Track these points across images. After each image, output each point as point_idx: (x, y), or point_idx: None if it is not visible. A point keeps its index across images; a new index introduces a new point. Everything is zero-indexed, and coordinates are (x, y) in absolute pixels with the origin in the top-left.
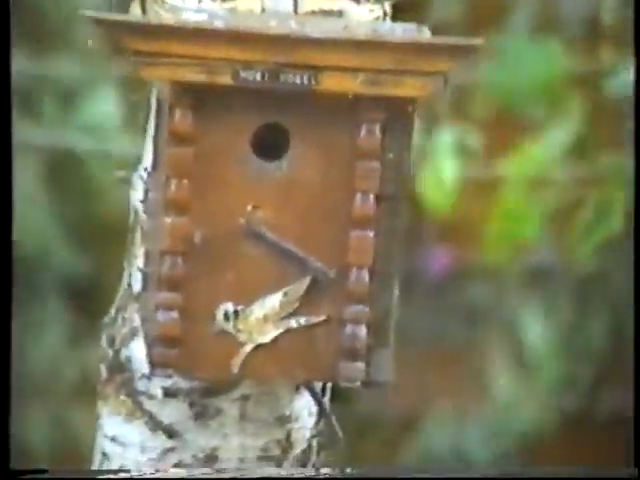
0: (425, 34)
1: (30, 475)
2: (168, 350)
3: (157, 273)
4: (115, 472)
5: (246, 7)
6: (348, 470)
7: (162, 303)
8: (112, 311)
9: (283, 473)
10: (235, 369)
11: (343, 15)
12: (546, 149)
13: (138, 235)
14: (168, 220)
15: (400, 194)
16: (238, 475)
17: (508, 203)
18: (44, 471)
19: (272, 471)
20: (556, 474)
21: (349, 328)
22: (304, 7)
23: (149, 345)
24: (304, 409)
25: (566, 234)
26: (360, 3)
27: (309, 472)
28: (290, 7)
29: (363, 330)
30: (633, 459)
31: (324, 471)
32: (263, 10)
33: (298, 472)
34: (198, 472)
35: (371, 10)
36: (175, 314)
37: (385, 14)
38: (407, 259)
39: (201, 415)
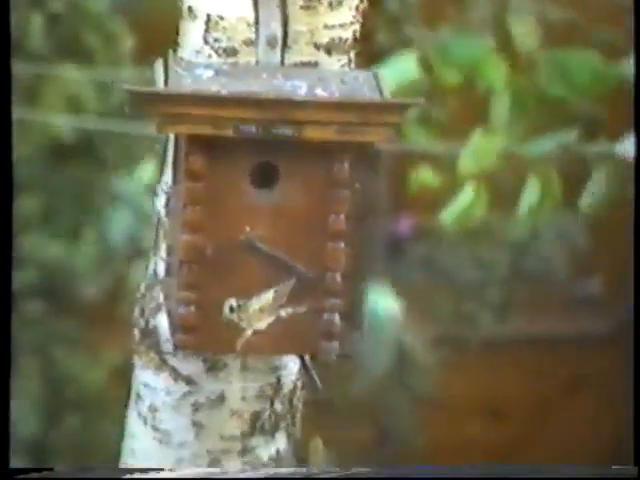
0: (381, 77)
1: (30, 474)
2: (187, 336)
3: (177, 277)
4: (114, 472)
5: (244, 61)
6: (353, 470)
7: (181, 299)
8: (142, 289)
9: (283, 472)
10: (238, 348)
11: (318, 65)
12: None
13: (161, 232)
14: (184, 237)
15: (365, 214)
16: (239, 476)
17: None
18: (44, 470)
19: (272, 471)
20: (556, 474)
21: (325, 316)
22: (289, 60)
23: (172, 330)
24: (290, 361)
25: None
26: (331, 55)
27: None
28: (278, 60)
29: (337, 318)
30: (633, 459)
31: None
32: (257, 62)
33: (298, 473)
34: (202, 472)
35: (339, 60)
36: (192, 308)
37: (350, 61)
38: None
39: (212, 368)
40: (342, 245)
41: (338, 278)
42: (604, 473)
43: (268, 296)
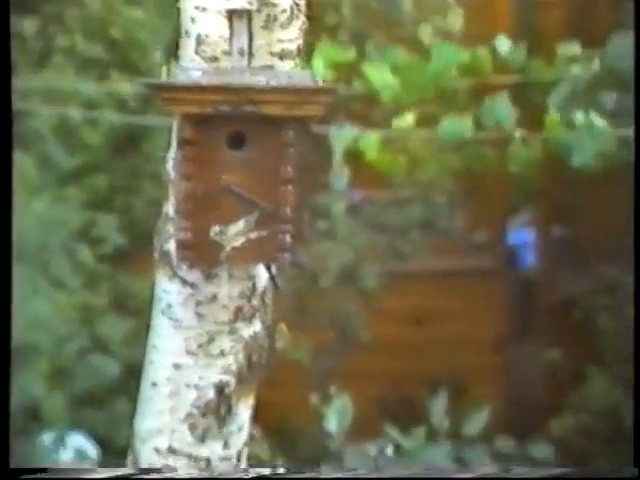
0: (315, 75)
1: (30, 475)
2: (185, 252)
3: (178, 213)
4: (113, 472)
5: (223, 65)
6: (355, 471)
7: (181, 227)
8: (159, 223)
9: (281, 471)
10: (222, 259)
11: (273, 67)
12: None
13: (170, 186)
14: (182, 184)
15: (305, 166)
16: (239, 476)
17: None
18: (44, 470)
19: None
20: (556, 474)
21: (280, 236)
22: (253, 64)
23: (176, 248)
24: (261, 271)
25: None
26: (283, 60)
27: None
28: (246, 64)
29: (288, 237)
30: (633, 459)
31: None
32: (232, 66)
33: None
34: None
35: (288, 64)
36: (188, 233)
37: (296, 65)
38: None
39: (208, 277)
40: (290, 188)
41: (288, 211)
42: (604, 473)
43: (241, 224)
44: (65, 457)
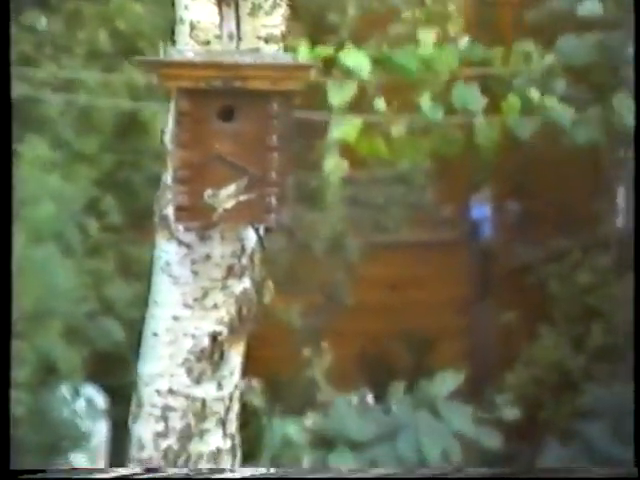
0: (296, 58)
1: (30, 475)
2: (181, 213)
3: (175, 178)
4: (113, 472)
5: (214, 48)
6: (352, 469)
7: (178, 191)
8: (159, 192)
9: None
10: (215, 220)
11: (259, 50)
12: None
13: (168, 157)
14: (178, 153)
15: (288, 133)
16: (239, 475)
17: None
18: (44, 471)
19: (273, 471)
20: (556, 474)
21: (267, 199)
22: (242, 47)
23: (174, 211)
24: (250, 232)
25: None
26: (268, 44)
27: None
28: (234, 47)
29: (274, 200)
30: (633, 459)
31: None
32: (222, 49)
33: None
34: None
35: (273, 47)
36: (185, 196)
37: (279, 48)
38: None
39: (202, 238)
40: (275, 155)
41: (274, 175)
42: (604, 473)
43: (232, 188)
44: (79, 407)
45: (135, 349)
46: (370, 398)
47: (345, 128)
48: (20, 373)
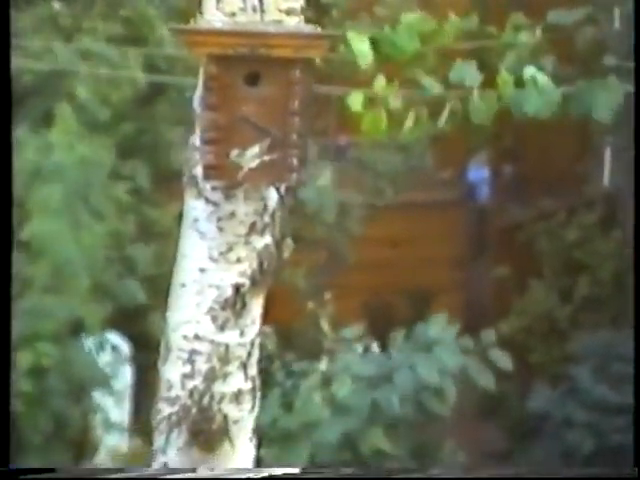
0: (318, 29)
1: (30, 475)
2: (209, 172)
3: (203, 138)
4: (115, 472)
5: (240, 19)
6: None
7: (206, 151)
8: (187, 154)
9: (277, 473)
10: (240, 179)
11: (282, 22)
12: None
13: (197, 120)
14: (207, 115)
15: (309, 100)
16: (240, 475)
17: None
18: (43, 471)
19: (273, 470)
20: (556, 474)
21: (289, 160)
22: (265, 18)
23: (202, 169)
24: (272, 192)
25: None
26: (289, 16)
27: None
28: (258, 19)
29: (295, 160)
30: (633, 459)
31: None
32: (247, 20)
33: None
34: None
35: (294, 19)
36: (213, 156)
37: (300, 20)
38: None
39: (227, 196)
40: (296, 118)
41: (295, 137)
42: (604, 474)
43: (256, 148)
44: (103, 357)
45: (155, 302)
46: (375, 346)
47: (351, 98)
48: (47, 327)
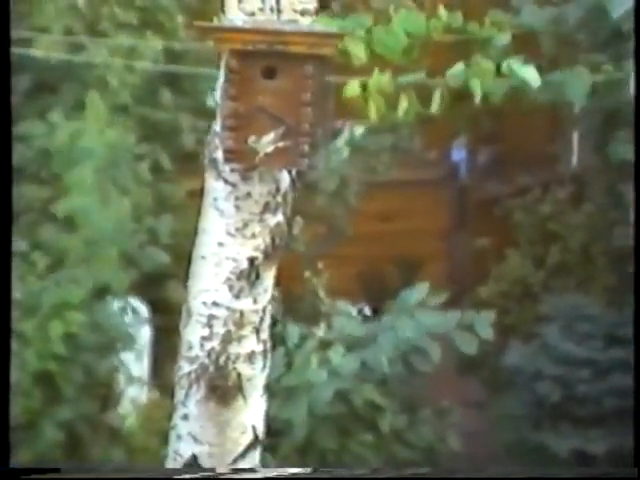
0: (331, 29)
1: (31, 475)
2: (229, 155)
3: (223, 125)
4: (117, 472)
5: (259, 18)
6: (358, 471)
7: (226, 137)
8: (209, 139)
9: (273, 473)
10: (257, 163)
11: (297, 21)
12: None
13: (218, 109)
14: (228, 104)
15: (321, 93)
16: (253, 476)
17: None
18: (44, 471)
19: (275, 471)
20: (557, 474)
21: (301, 146)
22: (282, 18)
23: (222, 153)
24: (284, 175)
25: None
26: (303, 16)
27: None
28: (275, 19)
29: (306, 147)
30: (633, 459)
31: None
32: (265, 19)
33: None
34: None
35: (308, 19)
36: (232, 141)
37: (314, 20)
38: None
39: (244, 178)
40: (309, 109)
41: (307, 126)
42: (604, 474)
43: (271, 135)
44: (125, 319)
45: (171, 270)
46: (367, 310)
47: (348, 87)
48: (76, 296)
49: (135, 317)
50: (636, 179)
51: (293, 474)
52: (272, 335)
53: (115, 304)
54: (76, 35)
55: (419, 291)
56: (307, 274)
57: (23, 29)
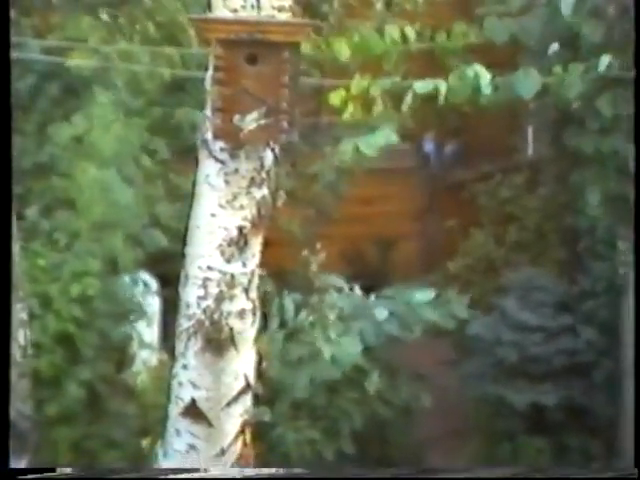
0: (305, 19)
1: (30, 475)
2: (218, 132)
3: (212, 107)
4: (116, 472)
5: (241, 14)
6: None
7: (215, 117)
8: (200, 122)
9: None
10: (242, 139)
11: (275, 17)
12: None
13: (207, 95)
14: (215, 88)
15: (295, 75)
16: (242, 475)
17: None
18: (44, 470)
19: (275, 472)
20: (556, 474)
21: (280, 123)
22: (262, 13)
23: (211, 132)
24: (268, 152)
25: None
26: (280, 12)
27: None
28: (256, 14)
29: (285, 124)
30: (633, 459)
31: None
32: (247, 15)
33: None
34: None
35: (284, 15)
36: (220, 121)
37: (292, 15)
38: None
39: (232, 156)
40: (286, 90)
41: (285, 106)
42: (604, 474)
43: (254, 114)
44: (137, 290)
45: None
46: (357, 288)
47: (333, 95)
48: (93, 264)
49: (145, 288)
50: (636, 179)
51: (277, 474)
52: (264, 301)
53: (126, 277)
54: (107, 45)
55: (424, 294)
56: (305, 252)
57: (57, 39)
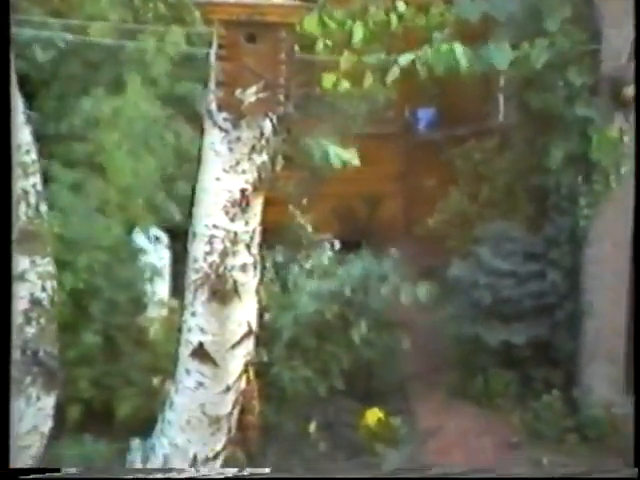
0: (299, 2)
1: (30, 475)
2: (221, 104)
3: (216, 81)
4: (115, 472)
5: None
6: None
7: (218, 90)
8: (205, 94)
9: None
10: (243, 110)
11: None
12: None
13: (212, 71)
14: (219, 64)
15: (291, 54)
16: (241, 475)
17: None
18: (44, 471)
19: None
20: (556, 474)
21: (277, 96)
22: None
23: (215, 103)
24: (267, 122)
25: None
26: None
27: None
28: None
29: (282, 97)
30: (633, 459)
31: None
32: None
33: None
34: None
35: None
36: (223, 94)
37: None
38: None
39: (235, 125)
40: (283, 66)
41: (282, 80)
42: (604, 473)
43: (254, 88)
44: (149, 244)
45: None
46: (337, 243)
47: (325, 78)
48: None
49: (157, 243)
50: (636, 179)
51: (262, 474)
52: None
53: (140, 234)
54: (125, 23)
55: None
56: (291, 208)
57: (76, 18)
